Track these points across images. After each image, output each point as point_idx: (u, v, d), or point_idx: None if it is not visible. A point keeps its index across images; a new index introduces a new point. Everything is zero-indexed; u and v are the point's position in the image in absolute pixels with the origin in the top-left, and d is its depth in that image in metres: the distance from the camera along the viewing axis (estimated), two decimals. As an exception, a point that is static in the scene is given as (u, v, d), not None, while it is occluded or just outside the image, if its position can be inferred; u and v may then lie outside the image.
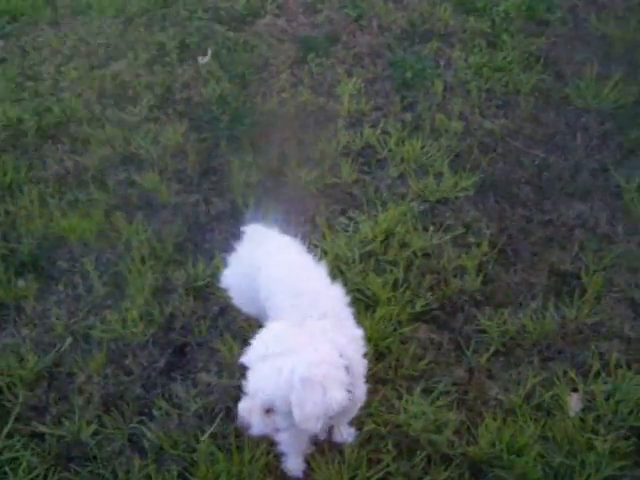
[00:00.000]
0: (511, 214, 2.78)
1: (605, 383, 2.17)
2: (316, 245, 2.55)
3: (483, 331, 2.34)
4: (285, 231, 2.14)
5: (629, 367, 2.21)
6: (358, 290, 2.40)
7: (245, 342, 1.64)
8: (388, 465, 1.97)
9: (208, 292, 2.46)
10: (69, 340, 2.36)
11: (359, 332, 1.76)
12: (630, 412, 2.08)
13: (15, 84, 3.36)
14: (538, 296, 2.46)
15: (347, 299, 1.84)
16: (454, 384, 2.18)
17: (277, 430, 1.66)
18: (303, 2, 3.87)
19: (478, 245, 2.61)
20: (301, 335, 1.62)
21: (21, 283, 2.56)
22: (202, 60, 3.45)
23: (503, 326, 2.34)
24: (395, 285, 2.45)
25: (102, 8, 3.79)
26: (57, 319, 2.41)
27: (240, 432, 1.90)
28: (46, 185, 2.89)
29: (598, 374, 2.19)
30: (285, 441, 1.89)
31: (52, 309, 2.45)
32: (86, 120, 3.15)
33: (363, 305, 2.35)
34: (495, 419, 2.05)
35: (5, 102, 3.24)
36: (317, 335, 1.62)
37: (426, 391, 2.15)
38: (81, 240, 2.67)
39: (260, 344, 1.59)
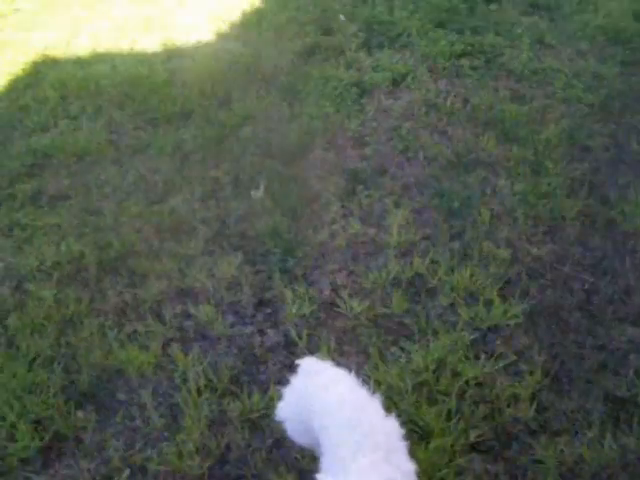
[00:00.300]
0: (563, 340, 2.77)
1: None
2: (369, 376, 2.57)
3: (539, 461, 2.31)
4: (338, 363, 2.17)
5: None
6: (411, 421, 2.40)
7: (300, 474, 1.66)
8: None
9: (263, 424, 2.48)
10: (126, 472, 2.38)
11: (412, 467, 1.76)
12: None
13: (79, 220, 3.51)
14: (595, 424, 2.42)
15: (402, 431, 1.84)
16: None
17: None
18: (351, 136, 4.03)
19: (531, 373, 2.61)
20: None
21: (80, 414, 2.62)
22: (255, 194, 3.59)
23: (560, 456, 2.31)
24: (449, 415, 2.45)
25: (160, 146, 3.99)
26: (115, 451, 2.45)
27: None
28: (106, 317, 2.98)
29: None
30: None
31: (110, 441, 2.49)
32: (144, 254, 3.27)
33: (417, 436, 2.35)
34: None
35: (69, 237, 3.39)
36: (369, 470, 1.63)
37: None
38: (139, 372, 2.73)
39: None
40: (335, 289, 3.03)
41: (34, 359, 2.82)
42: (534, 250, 3.20)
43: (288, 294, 2.98)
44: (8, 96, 4.67)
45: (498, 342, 2.77)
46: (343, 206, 3.51)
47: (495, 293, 2.95)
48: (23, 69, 4.99)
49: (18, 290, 3.16)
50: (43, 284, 3.15)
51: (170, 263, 3.20)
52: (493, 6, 5.65)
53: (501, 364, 2.65)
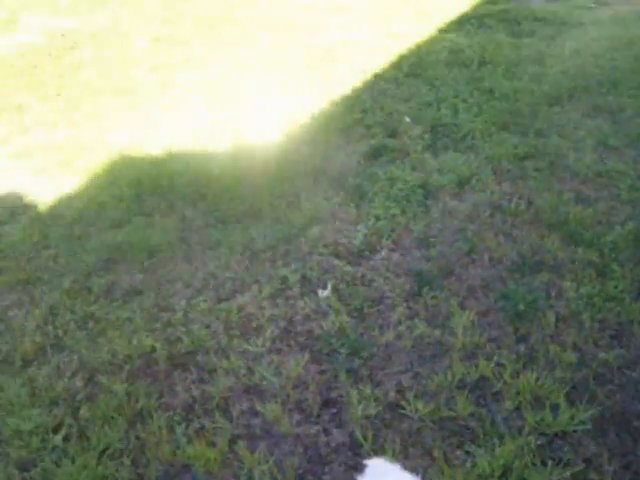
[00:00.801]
0: (634, 449, 2.73)
1: None
2: (434, 480, 2.56)
3: None
4: (403, 465, 2.18)
5: None
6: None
7: None
8: None
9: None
10: None
11: None
12: None
13: (150, 315, 3.62)
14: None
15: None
16: None
17: None
18: (417, 237, 4.10)
19: (600, 482, 2.58)
20: None
21: (147, 509, 2.67)
22: (322, 293, 3.66)
23: None
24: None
25: (230, 245, 4.11)
26: None
27: None
28: (174, 412, 3.04)
29: None
30: None
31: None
32: (213, 350, 3.34)
33: None
34: None
35: (141, 331, 3.49)
36: None
37: None
38: (205, 468, 2.76)
39: None
40: (401, 390, 3.05)
41: (104, 451, 2.88)
42: (601, 354, 3.18)
43: (354, 394, 3.01)
44: (87, 193, 4.88)
45: (566, 449, 2.74)
46: (409, 307, 3.55)
47: (562, 398, 2.93)
48: (102, 168, 5.21)
49: (90, 382, 3.25)
50: (114, 377, 3.24)
51: (238, 360, 3.27)
52: (556, 109, 5.75)
53: (569, 472, 2.62)
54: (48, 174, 5.24)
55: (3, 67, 7.81)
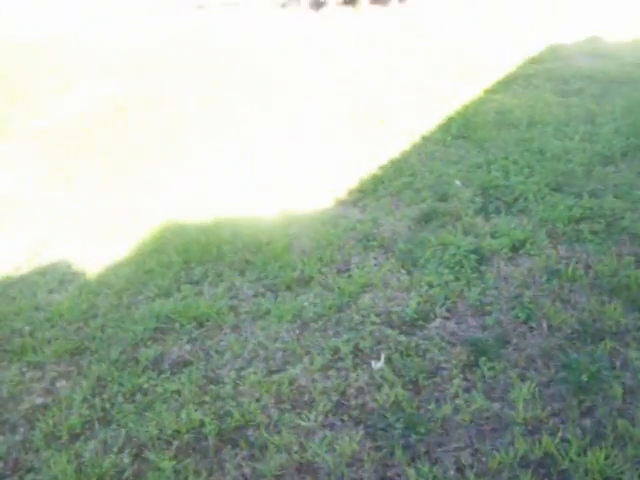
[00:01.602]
0: None
1: None
2: None
3: None
4: None
5: None
6: None
7: None
8: None
9: None
10: None
11: None
12: None
13: (199, 387, 3.53)
14: None
15: None
16: None
17: None
18: (472, 305, 3.98)
19: None
20: None
21: None
22: (376, 365, 3.54)
23: None
24: None
25: (280, 314, 4.03)
26: None
27: None
28: (224, 492, 2.94)
29: None
30: None
31: None
32: (264, 425, 3.23)
33: None
34: None
35: (189, 405, 3.40)
36: None
37: None
38: None
39: None
40: (460, 468, 2.91)
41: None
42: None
43: (411, 473, 2.87)
44: (135, 261, 4.86)
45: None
46: (465, 378, 3.41)
47: (635, 478, 2.76)
48: (150, 234, 5.21)
49: (138, 458, 3.16)
50: (162, 453, 3.15)
51: (290, 435, 3.16)
52: (610, 168, 5.64)
53: None
54: (96, 240, 5.26)
55: (55, 132, 7.96)
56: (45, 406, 3.54)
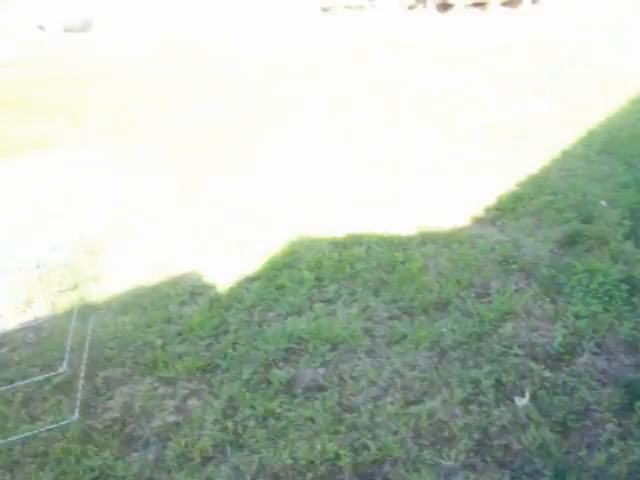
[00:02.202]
0: None
1: None
2: None
3: None
4: None
5: None
6: None
7: None
8: None
9: None
10: None
11: None
12: None
13: (333, 415, 3.43)
14: None
15: None
16: None
17: None
18: (623, 340, 3.72)
19: None
20: None
21: None
22: (520, 401, 3.35)
23: None
24: None
25: (417, 339, 3.88)
26: None
27: None
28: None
29: None
30: None
31: None
32: (402, 461, 3.10)
33: None
34: None
35: (323, 434, 3.30)
36: None
37: None
38: None
39: None
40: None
41: None
42: None
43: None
44: (266, 275, 4.81)
45: None
46: (619, 424, 3.17)
47: None
48: (281, 248, 5.16)
49: (273, 488, 3.10)
50: (296, 483, 3.07)
51: (429, 474, 3.01)
52: None
53: None
54: (226, 252, 5.23)
55: (188, 136, 8.07)
56: (177, 425, 3.51)
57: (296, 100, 9.51)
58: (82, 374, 3.81)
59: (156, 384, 3.83)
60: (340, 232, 5.28)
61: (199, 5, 19.93)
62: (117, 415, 3.58)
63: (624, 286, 4.14)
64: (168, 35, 17.22)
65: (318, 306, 4.36)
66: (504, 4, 17.25)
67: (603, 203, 5.24)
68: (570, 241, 4.76)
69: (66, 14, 19.76)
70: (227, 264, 5.01)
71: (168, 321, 4.39)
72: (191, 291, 4.75)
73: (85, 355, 3.98)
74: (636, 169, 5.80)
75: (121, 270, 5.05)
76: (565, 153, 6.42)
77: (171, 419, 3.56)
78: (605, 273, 4.27)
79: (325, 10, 19.26)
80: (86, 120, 9.34)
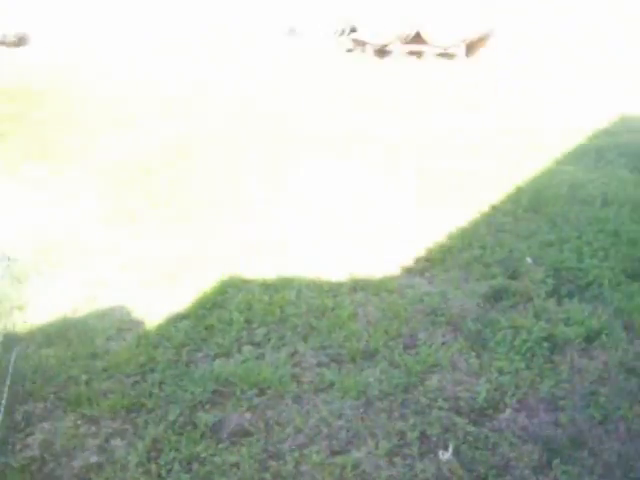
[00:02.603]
0: None
1: None
2: None
3: None
4: None
5: None
6: None
7: None
8: None
9: None
10: None
11: None
12: None
13: (258, 462, 3.41)
14: None
15: None
16: None
17: None
18: (544, 398, 3.82)
19: None
20: None
21: None
22: (443, 455, 3.40)
23: None
24: None
25: (344, 387, 3.91)
26: None
27: None
28: None
29: None
30: None
31: None
32: None
33: None
34: None
35: (248, 481, 3.30)
36: None
37: None
38: None
39: None
40: None
41: None
42: None
43: None
44: (196, 314, 4.78)
45: None
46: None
47: None
48: (212, 287, 5.14)
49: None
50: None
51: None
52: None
53: None
54: (156, 288, 5.18)
55: (120, 170, 7.99)
56: (99, 466, 3.43)
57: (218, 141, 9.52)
58: (1, 408, 3.70)
59: (79, 422, 3.74)
60: (271, 274, 5.30)
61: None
62: (36, 453, 3.48)
63: (546, 344, 4.26)
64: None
65: (247, 349, 4.36)
66: (440, 55, 17.71)
67: (529, 260, 5.40)
68: (496, 296, 4.88)
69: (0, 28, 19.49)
70: (157, 300, 4.96)
71: (94, 356, 4.30)
72: (119, 326, 4.67)
73: (5, 388, 3.87)
74: (560, 229, 5.99)
75: (47, 300, 4.96)
76: (494, 208, 6.59)
77: (93, 459, 3.47)
78: (528, 330, 4.39)
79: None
80: (13, 140, 9.19)
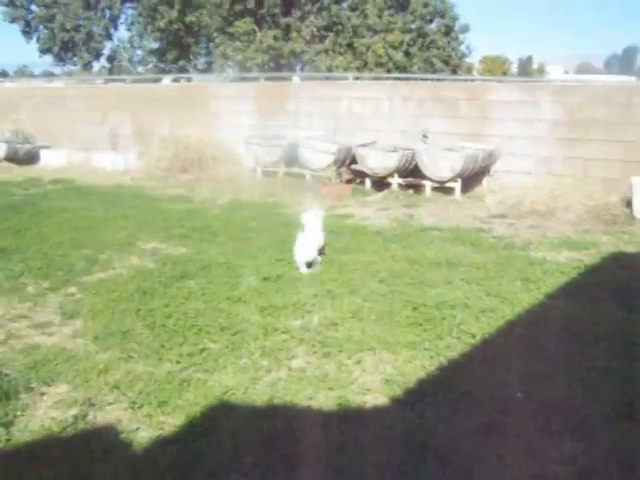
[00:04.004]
0: None
1: None
2: None
3: None
4: None
5: None
6: None
7: None
8: None
9: None
10: None
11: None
12: None
13: None
14: None
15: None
16: None
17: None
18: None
19: None
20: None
21: None
22: None
23: None
24: None
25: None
26: None
27: None
28: None
29: None
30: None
31: None
32: None
33: None
34: None
35: None
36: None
37: None
38: None
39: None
40: None
41: None
42: None
43: None
44: (184, 439, 4.75)
45: None
46: None
47: None
48: (201, 412, 5.12)
49: None
50: None
51: None
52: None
53: None
54: (145, 410, 5.16)
55: (115, 290, 8.07)
56: None
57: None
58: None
59: None
60: (260, 400, 5.31)
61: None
62: None
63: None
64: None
65: (234, 476, 4.35)
66: (435, 189, 17.97)
67: (519, 394, 5.41)
68: (487, 430, 4.85)
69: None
70: (145, 422, 4.97)
71: (75, 478, 4.28)
72: (105, 448, 4.64)
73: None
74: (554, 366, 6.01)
75: (35, 417, 4.95)
76: (486, 342, 6.57)
77: None
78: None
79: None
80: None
